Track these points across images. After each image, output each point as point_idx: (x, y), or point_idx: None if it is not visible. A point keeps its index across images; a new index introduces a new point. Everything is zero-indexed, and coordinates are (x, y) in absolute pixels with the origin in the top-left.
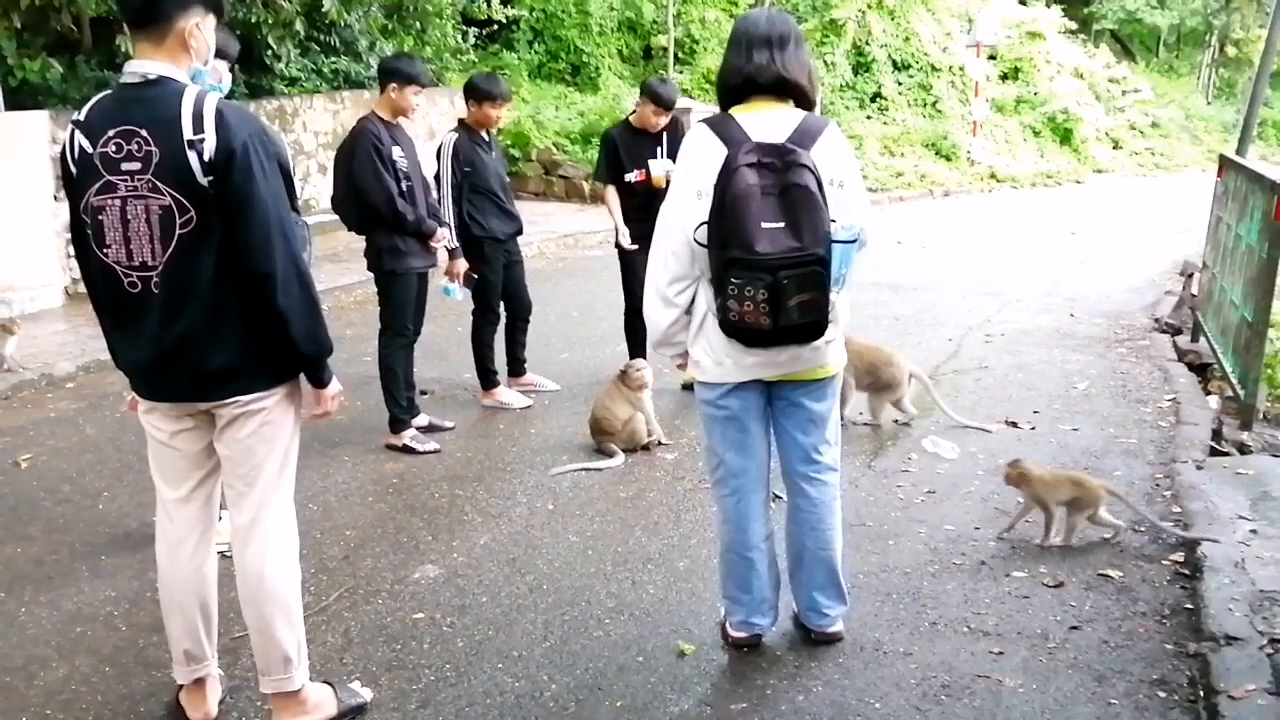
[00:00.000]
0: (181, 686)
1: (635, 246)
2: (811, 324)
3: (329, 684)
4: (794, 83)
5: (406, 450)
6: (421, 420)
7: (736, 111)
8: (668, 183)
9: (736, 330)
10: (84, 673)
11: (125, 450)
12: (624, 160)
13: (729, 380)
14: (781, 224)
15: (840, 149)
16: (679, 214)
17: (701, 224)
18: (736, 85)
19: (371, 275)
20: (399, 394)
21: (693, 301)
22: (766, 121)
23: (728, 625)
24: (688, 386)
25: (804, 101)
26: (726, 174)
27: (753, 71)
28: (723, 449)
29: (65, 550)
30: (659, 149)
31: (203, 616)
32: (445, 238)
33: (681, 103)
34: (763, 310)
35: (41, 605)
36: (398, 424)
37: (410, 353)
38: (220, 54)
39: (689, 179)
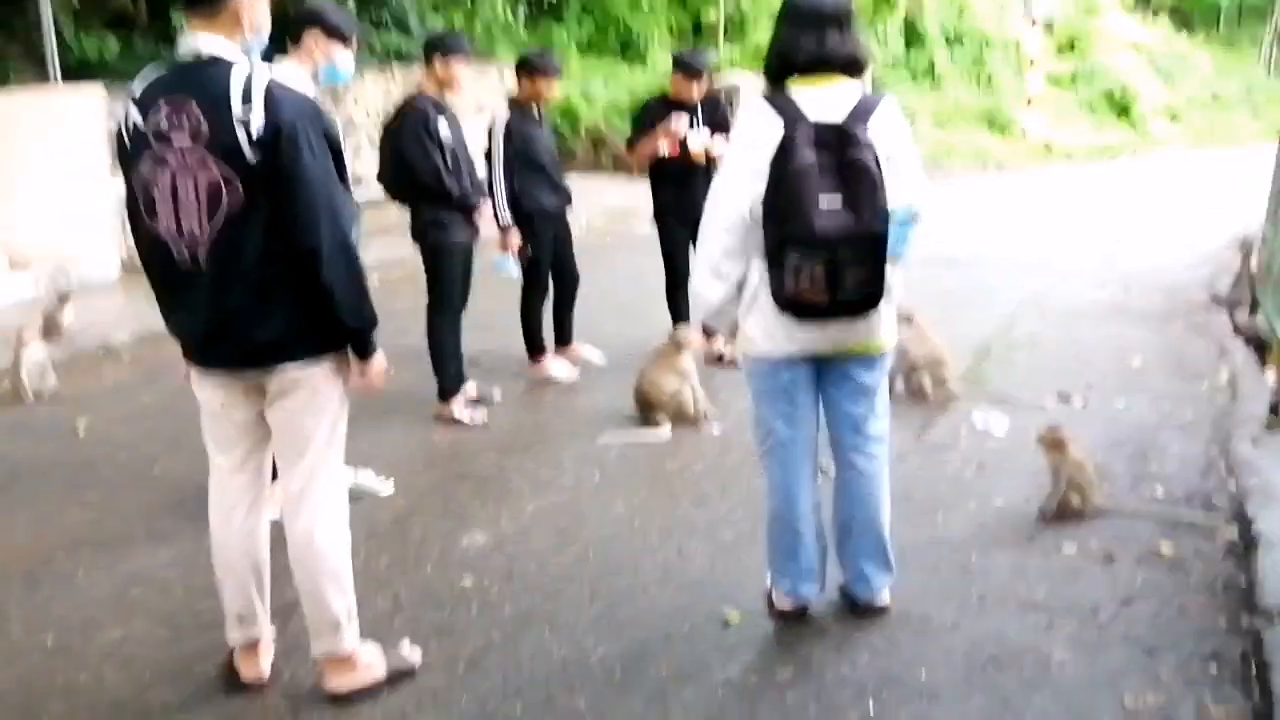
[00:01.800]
0: (234, 648)
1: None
2: (866, 298)
3: (379, 647)
4: (861, 61)
5: (454, 421)
6: (470, 391)
7: (795, 86)
8: (708, 158)
9: (790, 304)
10: (140, 634)
11: (181, 418)
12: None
13: (780, 354)
14: (839, 201)
15: (897, 124)
16: (734, 189)
17: (758, 200)
18: (804, 64)
19: (418, 249)
20: (447, 365)
21: (744, 275)
22: (825, 98)
23: (774, 595)
24: (719, 360)
25: (859, 74)
26: (785, 151)
27: (828, 52)
28: (772, 420)
29: (122, 514)
30: (694, 120)
31: (255, 580)
32: (488, 213)
33: (731, 78)
34: (819, 286)
35: (99, 568)
36: (446, 394)
37: (457, 325)
38: (341, 37)
39: (746, 155)
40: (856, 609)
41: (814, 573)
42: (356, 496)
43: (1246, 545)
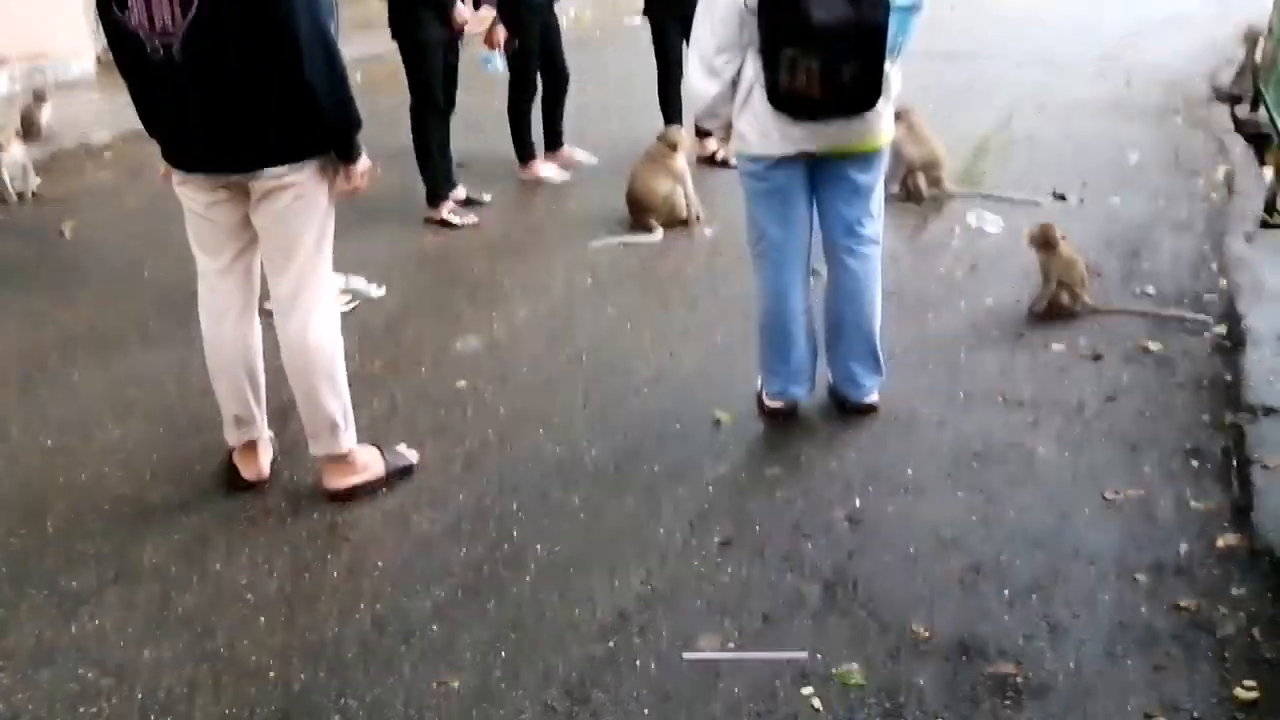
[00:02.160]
0: (233, 449)
1: None
2: (864, 95)
3: (377, 446)
4: None
5: (444, 224)
6: (459, 194)
7: None
8: None
9: (785, 101)
10: (138, 434)
11: (167, 219)
12: None
13: (774, 153)
14: None
15: None
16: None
17: None
18: None
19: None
20: (434, 167)
21: (739, 72)
22: None
23: (764, 395)
24: (711, 160)
25: None
26: None
27: None
28: (765, 221)
29: (114, 316)
30: None
31: (250, 383)
32: (465, 15)
33: None
34: (815, 81)
35: (94, 369)
36: (435, 198)
37: (445, 124)
38: None
39: None
40: (845, 408)
41: (805, 373)
42: (349, 299)
43: (1234, 342)
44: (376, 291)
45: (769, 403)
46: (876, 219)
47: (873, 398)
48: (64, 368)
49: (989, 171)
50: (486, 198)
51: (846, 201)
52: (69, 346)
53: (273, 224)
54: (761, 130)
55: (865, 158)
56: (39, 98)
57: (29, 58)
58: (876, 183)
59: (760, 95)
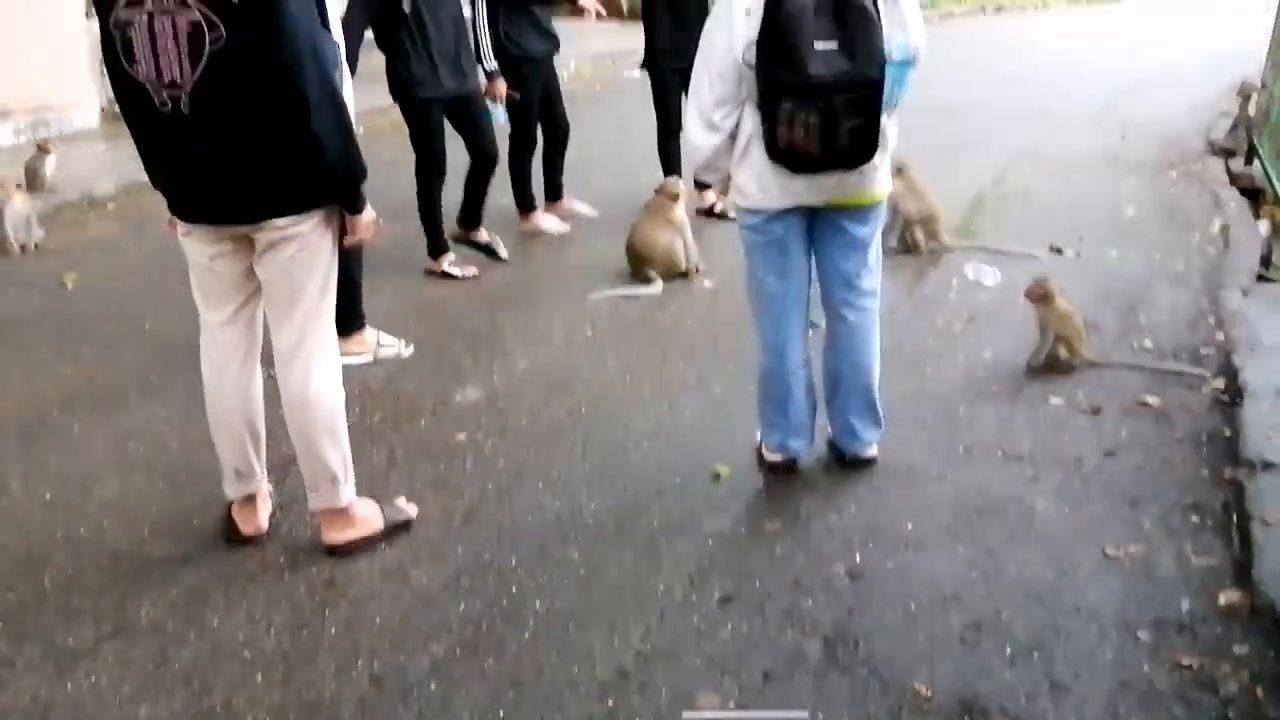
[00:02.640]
0: (233, 502)
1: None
2: (861, 149)
3: (376, 500)
4: None
5: (445, 276)
6: (481, 236)
7: None
8: None
9: (784, 155)
10: (138, 487)
11: (169, 272)
12: None
13: (773, 206)
14: (835, 44)
15: None
16: (725, 33)
17: (751, 44)
18: None
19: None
20: (437, 220)
21: (737, 125)
22: None
23: (763, 449)
24: (710, 213)
25: None
26: None
27: None
28: (763, 273)
29: (115, 369)
30: None
31: (251, 435)
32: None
33: None
34: (814, 136)
35: (95, 422)
36: (436, 250)
37: (442, 183)
38: None
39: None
40: (844, 461)
41: (804, 427)
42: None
43: (1232, 397)
44: (405, 351)
45: (768, 456)
46: (875, 272)
47: (872, 451)
48: (64, 421)
49: (985, 225)
50: (504, 253)
51: (845, 255)
52: (70, 399)
53: (277, 274)
54: (760, 183)
55: (863, 211)
56: (43, 150)
57: (33, 110)
58: (874, 236)
59: (759, 149)
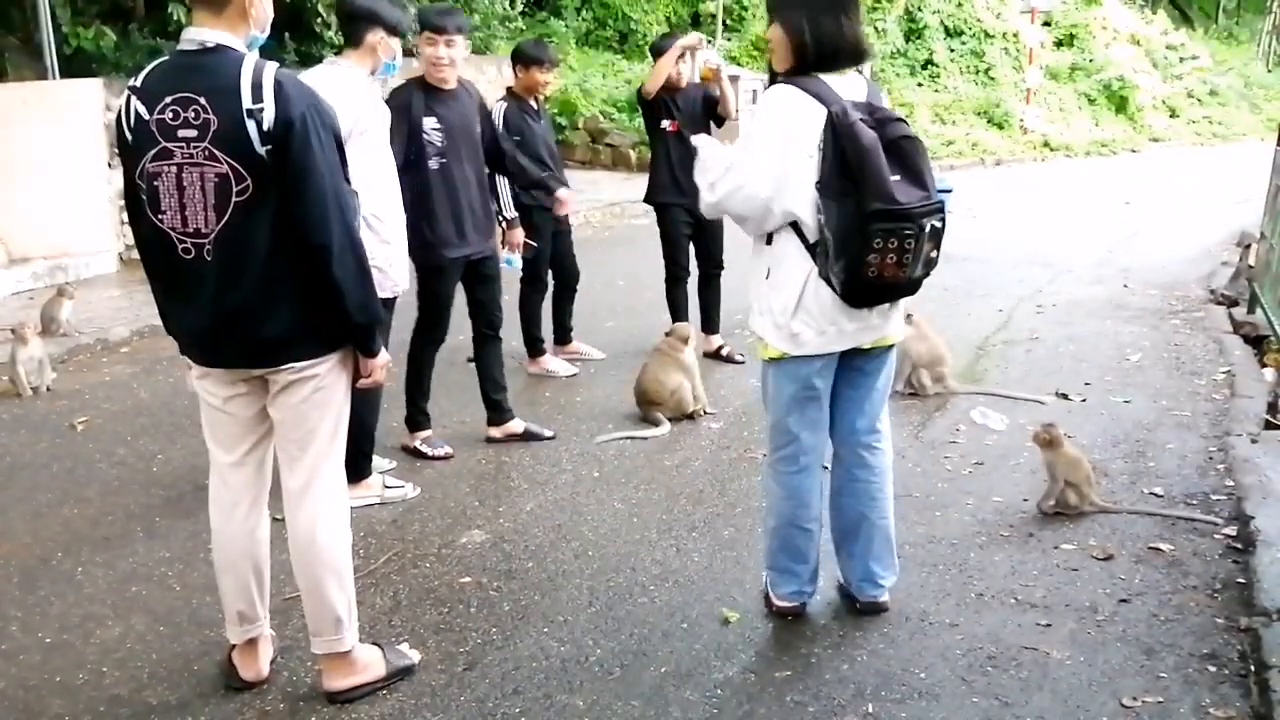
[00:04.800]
0: (234, 646)
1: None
2: (924, 276)
3: (378, 645)
4: (868, 50)
5: (416, 453)
6: (516, 426)
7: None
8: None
9: (866, 287)
10: (139, 631)
11: (179, 414)
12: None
13: (831, 350)
14: (899, 176)
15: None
16: (761, 173)
17: (821, 183)
18: (849, 55)
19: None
20: (419, 395)
21: (785, 274)
22: (845, 84)
23: (774, 595)
24: (717, 356)
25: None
26: (842, 129)
27: (854, 42)
28: (798, 428)
29: (121, 511)
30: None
31: (255, 578)
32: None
33: (730, 70)
34: (905, 262)
35: (98, 565)
36: (415, 425)
37: (435, 352)
38: (393, 30)
39: (783, 141)
40: (857, 608)
41: (817, 572)
42: (379, 500)
43: (1245, 544)
44: (412, 492)
45: (780, 603)
46: (886, 413)
47: (886, 596)
48: (68, 563)
49: (991, 370)
50: (548, 433)
51: (870, 400)
52: (74, 542)
53: (290, 415)
54: (819, 327)
55: (884, 354)
56: (62, 294)
57: (52, 255)
58: (890, 379)
59: (815, 292)
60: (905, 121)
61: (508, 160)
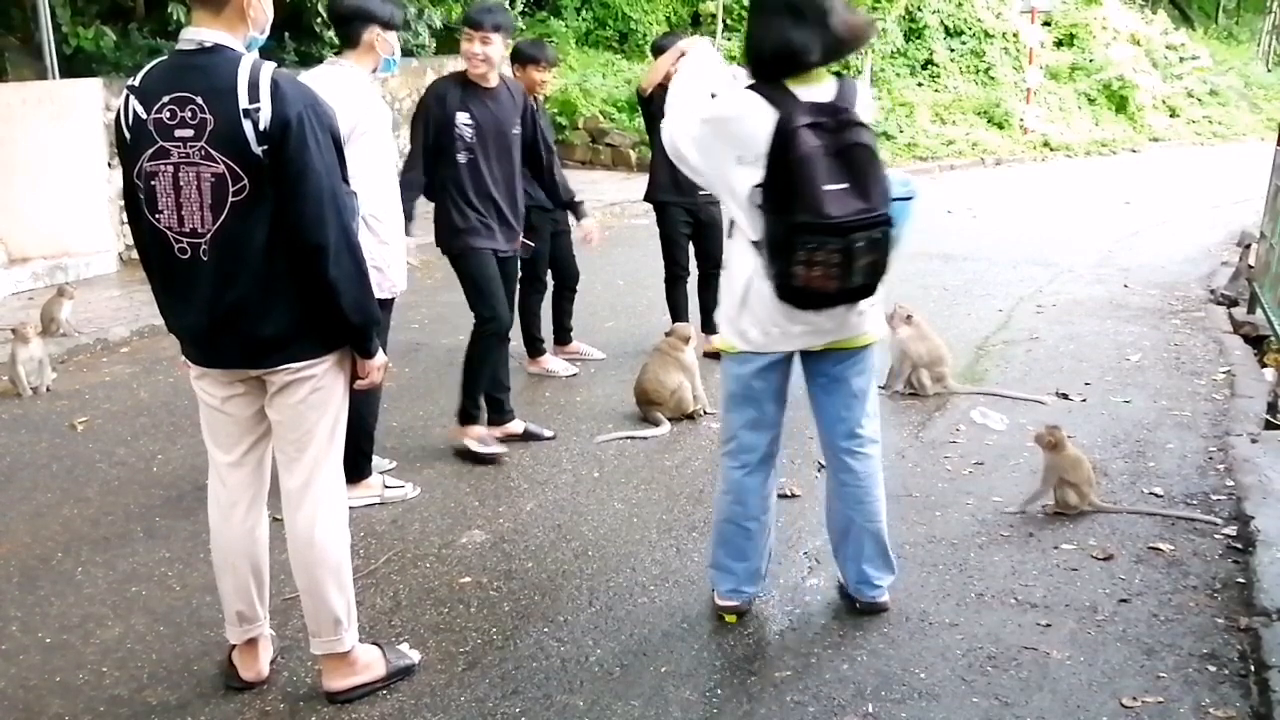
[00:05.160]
0: (234, 646)
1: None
2: (871, 284)
3: (378, 645)
4: (850, 50)
5: (466, 452)
6: (516, 426)
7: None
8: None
9: (796, 294)
10: (139, 631)
11: (178, 414)
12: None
13: (776, 350)
14: (845, 185)
15: (872, 108)
16: (686, 117)
17: (757, 186)
18: (787, 57)
19: (455, 279)
20: (475, 389)
21: (734, 269)
22: (811, 87)
23: (716, 595)
24: (718, 356)
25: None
26: (784, 137)
27: (807, 48)
28: (738, 425)
29: (120, 512)
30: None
31: (255, 578)
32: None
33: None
34: (832, 274)
35: (98, 565)
36: (467, 418)
37: (503, 346)
38: (388, 25)
39: (719, 140)
40: (856, 608)
41: (759, 573)
42: (378, 500)
43: (1245, 544)
44: (412, 492)
45: (719, 601)
46: (874, 417)
47: (885, 597)
48: (68, 563)
49: (991, 370)
50: (548, 433)
51: (846, 406)
52: (74, 542)
53: (288, 416)
54: (763, 328)
55: (858, 355)
56: (62, 294)
57: (51, 255)
58: (871, 382)
59: (759, 292)
60: (864, 127)
61: (545, 169)
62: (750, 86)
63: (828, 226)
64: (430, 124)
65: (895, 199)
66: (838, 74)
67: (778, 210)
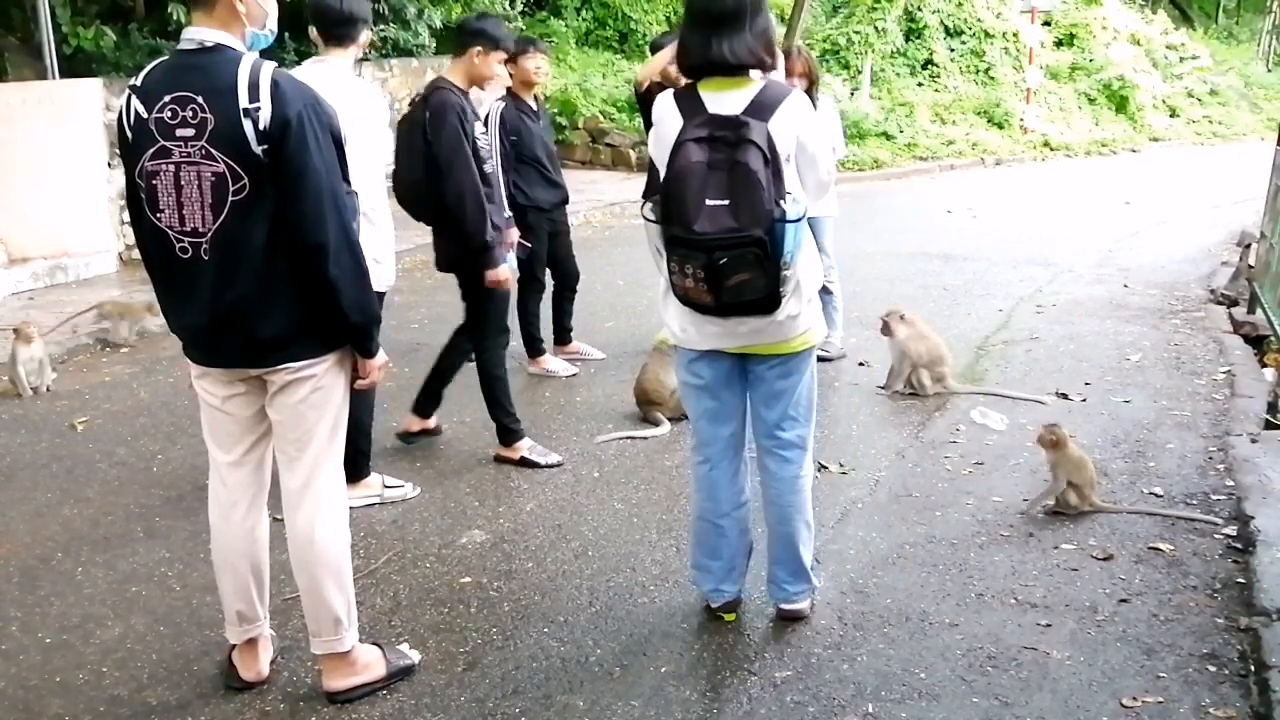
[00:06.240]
0: (234, 646)
1: None
2: (761, 302)
3: (378, 645)
4: (747, 65)
5: (525, 463)
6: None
7: (701, 87)
8: None
9: (685, 302)
10: (139, 631)
11: (179, 414)
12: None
13: (694, 347)
14: (725, 202)
15: (800, 120)
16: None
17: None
18: (695, 66)
19: (452, 275)
20: (509, 401)
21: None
22: (726, 96)
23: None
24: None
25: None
26: (675, 148)
27: (712, 56)
28: (695, 417)
29: (120, 511)
30: None
31: (255, 578)
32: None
33: None
34: (703, 288)
35: (98, 565)
36: (510, 435)
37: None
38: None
39: (655, 148)
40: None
41: (738, 570)
42: (377, 499)
43: (1245, 544)
44: (412, 492)
45: (710, 601)
46: (802, 423)
47: (799, 605)
48: (68, 563)
49: (991, 370)
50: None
51: (766, 404)
52: (74, 542)
53: (289, 416)
54: (681, 324)
55: (783, 361)
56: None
57: (51, 255)
58: (798, 387)
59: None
60: (754, 144)
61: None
62: (673, 91)
63: (691, 241)
64: (469, 134)
65: (782, 220)
66: (820, 81)
67: (664, 220)
